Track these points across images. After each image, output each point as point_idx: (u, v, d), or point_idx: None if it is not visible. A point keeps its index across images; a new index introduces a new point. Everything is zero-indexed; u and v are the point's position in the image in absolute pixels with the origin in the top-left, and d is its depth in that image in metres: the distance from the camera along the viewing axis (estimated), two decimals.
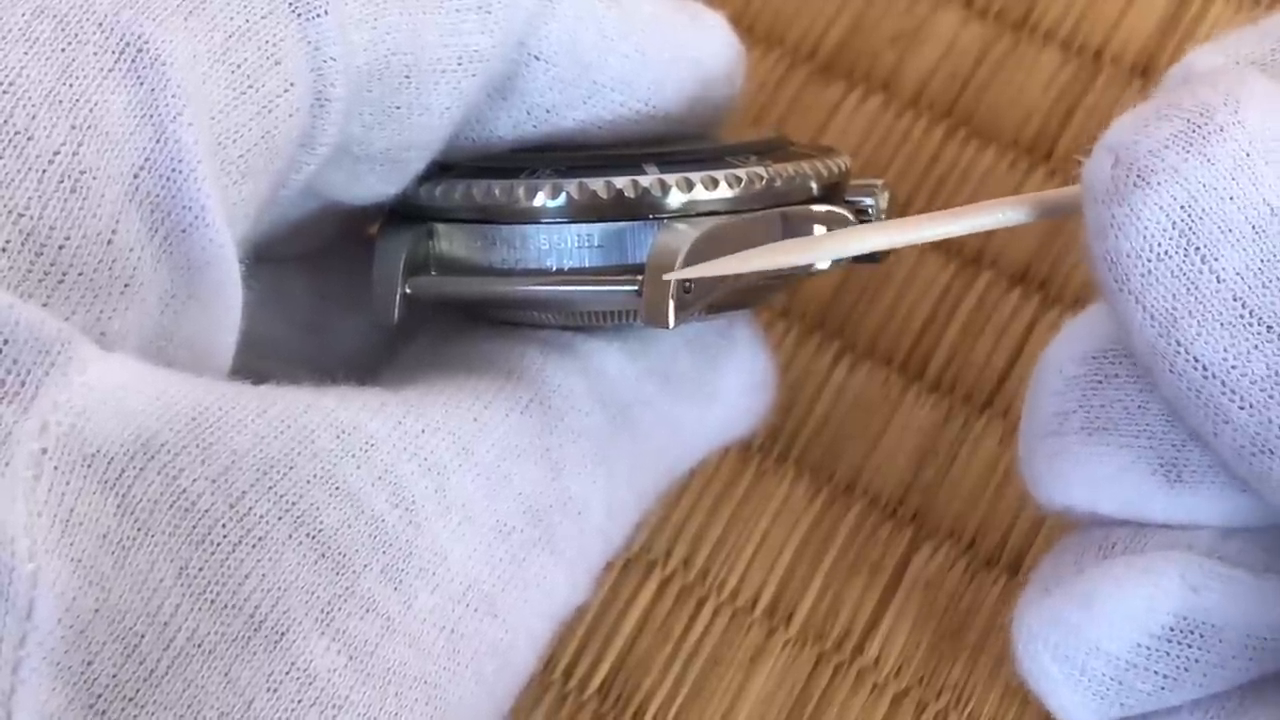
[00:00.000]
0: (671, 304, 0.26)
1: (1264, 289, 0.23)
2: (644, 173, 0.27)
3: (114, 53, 0.23)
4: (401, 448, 0.24)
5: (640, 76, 0.28)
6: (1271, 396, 0.23)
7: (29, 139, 0.22)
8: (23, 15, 0.23)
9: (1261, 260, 0.23)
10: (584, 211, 0.27)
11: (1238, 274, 0.23)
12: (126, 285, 0.22)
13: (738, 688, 0.33)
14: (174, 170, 0.23)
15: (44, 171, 0.22)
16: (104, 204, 0.22)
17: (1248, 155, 0.23)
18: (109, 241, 0.22)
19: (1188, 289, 0.23)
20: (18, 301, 0.21)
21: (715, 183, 0.27)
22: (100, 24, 0.23)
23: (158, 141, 0.23)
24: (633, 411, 0.28)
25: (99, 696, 0.21)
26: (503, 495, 0.25)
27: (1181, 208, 0.23)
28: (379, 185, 0.27)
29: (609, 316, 0.28)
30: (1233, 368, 0.23)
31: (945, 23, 0.40)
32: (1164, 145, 0.23)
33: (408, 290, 0.28)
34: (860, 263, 0.29)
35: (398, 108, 0.26)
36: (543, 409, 0.27)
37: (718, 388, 0.30)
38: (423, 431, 0.25)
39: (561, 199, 0.27)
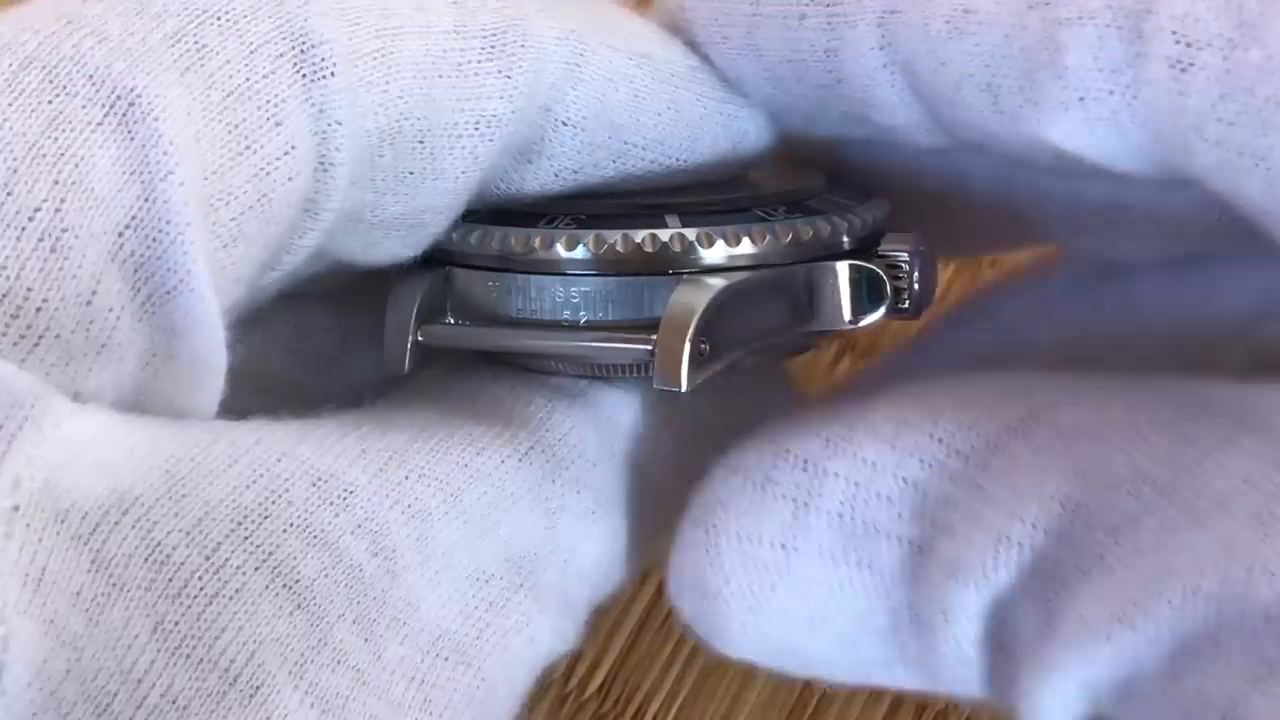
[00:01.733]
0: (685, 365, 0.25)
1: None
2: (665, 224, 0.26)
3: (104, 106, 0.22)
4: (383, 495, 0.24)
5: (673, 134, 0.27)
6: None
7: (8, 194, 0.21)
8: (9, 65, 0.22)
9: None
10: (601, 264, 0.26)
11: None
12: (103, 346, 0.22)
13: (738, 689, 0.33)
14: (160, 231, 0.22)
15: (23, 229, 0.21)
16: (85, 264, 0.21)
17: None
18: (88, 302, 0.22)
19: None
20: None
21: (738, 239, 0.26)
22: (91, 76, 0.22)
23: (145, 200, 0.22)
24: (645, 466, 0.28)
25: None
26: (486, 542, 0.25)
27: None
28: (396, 249, 0.26)
29: (626, 370, 0.27)
30: None
31: None
32: None
33: (420, 339, 0.27)
34: (897, 318, 0.28)
35: (411, 173, 0.25)
36: (544, 457, 0.26)
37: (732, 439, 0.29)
38: (405, 478, 0.24)
39: (578, 251, 0.26)
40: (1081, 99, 0.24)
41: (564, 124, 0.26)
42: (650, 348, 0.25)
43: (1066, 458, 0.25)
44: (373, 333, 0.29)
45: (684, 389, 0.25)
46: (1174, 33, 0.23)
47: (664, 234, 0.26)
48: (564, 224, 0.26)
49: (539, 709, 0.33)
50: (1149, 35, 0.23)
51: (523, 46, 0.25)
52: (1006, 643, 0.26)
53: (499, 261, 0.27)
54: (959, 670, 0.26)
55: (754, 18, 0.26)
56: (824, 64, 0.26)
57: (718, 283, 0.26)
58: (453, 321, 0.28)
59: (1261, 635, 0.23)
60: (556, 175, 0.27)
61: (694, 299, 0.25)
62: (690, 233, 0.26)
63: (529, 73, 0.25)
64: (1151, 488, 0.24)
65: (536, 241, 0.26)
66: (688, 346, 0.25)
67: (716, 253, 0.26)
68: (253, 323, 0.27)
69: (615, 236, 0.26)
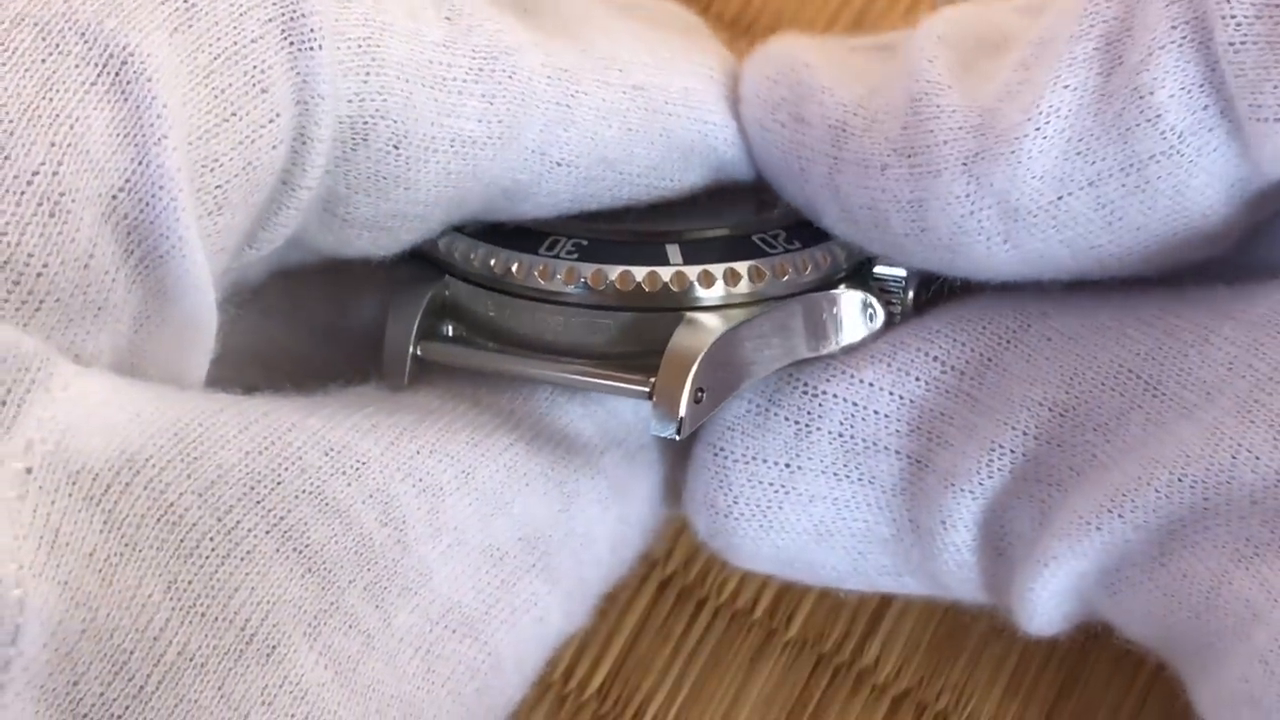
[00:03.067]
0: (684, 411, 0.25)
1: None
2: (666, 259, 0.26)
3: (97, 65, 0.22)
4: (395, 467, 0.24)
5: (667, 160, 0.27)
6: None
7: (6, 158, 0.21)
8: (1, 23, 0.22)
9: None
10: (600, 299, 0.26)
11: None
12: (100, 308, 0.22)
13: (737, 689, 0.33)
14: (153, 195, 0.22)
15: (22, 194, 0.21)
16: (82, 227, 0.22)
17: None
18: (85, 265, 0.22)
19: None
20: None
21: (737, 277, 0.26)
22: (83, 34, 0.22)
23: (139, 164, 0.22)
24: (650, 453, 0.28)
25: (85, 717, 0.21)
26: (499, 520, 0.25)
27: None
28: (369, 248, 0.27)
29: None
30: None
31: None
32: None
33: (419, 353, 0.27)
34: None
35: (383, 177, 0.25)
36: (553, 444, 0.27)
37: None
38: (417, 453, 0.24)
39: (578, 285, 0.26)
40: None
41: (558, 165, 0.26)
42: (648, 390, 0.26)
43: (1055, 363, 0.26)
44: (370, 303, 0.29)
45: (681, 436, 0.25)
46: None
47: (665, 272, 0.26)
48: (565, 252, 0.26)
49: (539, 709, 0.33)
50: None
51: (510, 77, 0.25)
52: (1003, 547, 0.26)
53: (500, 284, 0.27)
54: (960, 574, 0.27)
55: (836, 161, 0.26)
56: (908, 214, 0.26)
57: (717, 326, 0.26)
58: (450, 332, 0.28)
59: (1247, 517, 0.23)
60: (554, 206, 0.27)
61: (692, 344, 0.26)
62: (691, 271, 0.26)
63: (512, 104, 0.25)
64: (1137, 383, 0.25)
65: (538, 272, 0.26)
66: (686, 394, 0.25)
67: (715, 291, 0.26)
68: (251, 296, 0.27)
69: (615, 273, 0.26)
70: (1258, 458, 0.24)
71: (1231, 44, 0.23)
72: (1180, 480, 0.24)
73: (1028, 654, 0.33)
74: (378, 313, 0.29)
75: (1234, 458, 0.24)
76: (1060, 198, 0.25)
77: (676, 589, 0.34)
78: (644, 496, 0.28)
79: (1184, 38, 0.23)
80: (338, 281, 0.29)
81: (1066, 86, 0.24)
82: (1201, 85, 0.23)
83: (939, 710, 0.33)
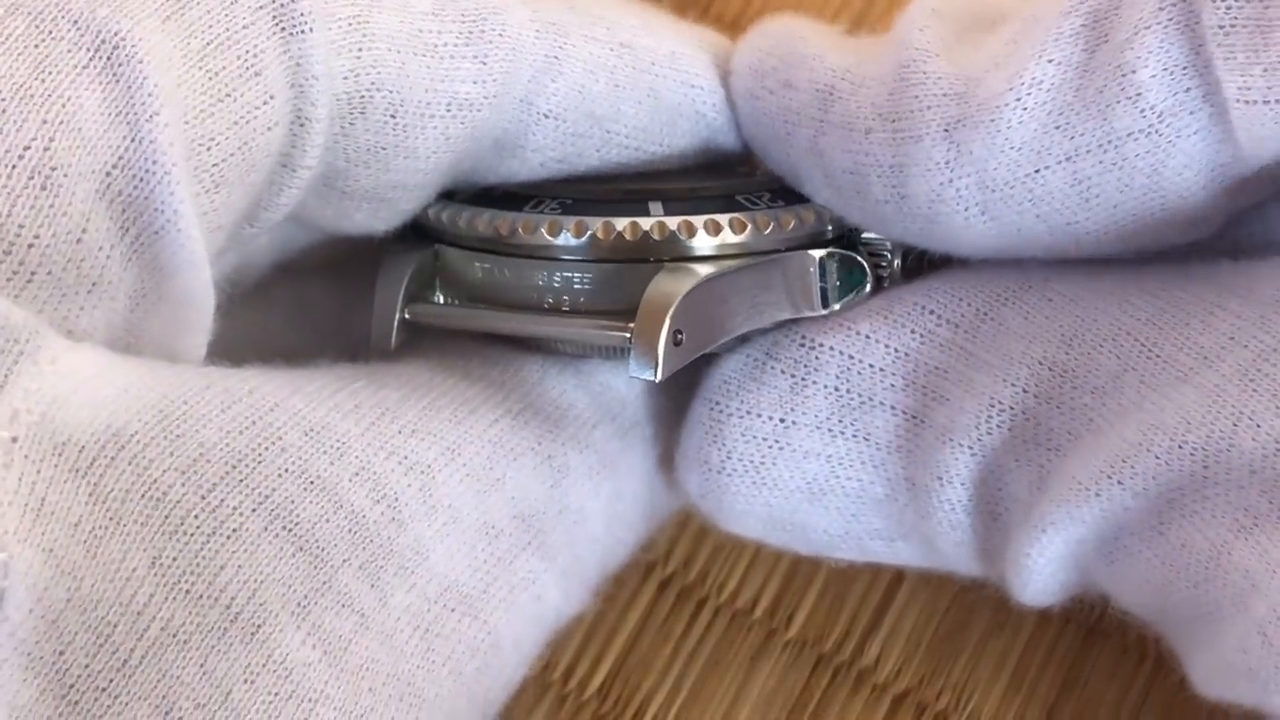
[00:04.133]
0: (661, 353, 0.25)
1: None
2: (649, 212, 0.27)
3: (89, 49, 0.22)
4: (378, 446, 0.24)
5: (654, 121, 0.28)
6: None
7: None
8: None
9: None
10: (583, 251, 0.26)
11: None
12: (94, 284, 0.22)
13: (738, 689, 0.33)
14: (147, 171, 0.22)
15: (13, 167, 0.22)
16: (74, 202, 0.22)
17: None
18: (78, 240, 0.22)
19: None
20: None
21: (719, 228, 0.26)
22: (75, 21, 0.22)
23: (132, 141, 0.22)
24: (644, 428, 0.28)
25: (71, 687, 0.21)
26: (493, 497, 0.25)
27: None
28: (369, 221, 0.27)
29: (609, 351, 0.28)
30: None
31: None
32: None
33: (406, 316, 0.28)
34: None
35: (382, 148, 0.25)
36: (540, 417, 0.27)
37: None
38: (399, 432, 0.24)
39: (561, 237, 0.26)
40: None
41: (545, 116, 0.27)
42: (628, 334, 0.26)
43: (1055, 323, 0.26)
44: (369, 303, 0.29)
45: (659, 378, 0.25)
46: None
47: (645, 222, 0.26)
48: (549, 209, 0.27)
49: (539, 709, 0.33)
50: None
51: (501, 35, 0.26)
52: (998, 512, 0.26)
53: (485, 243, 0.27)
54: (953, 537, 0.26)
55: (821, 124, 0.26)
56: (888, 179, 0.26)
57: (697, 271, 0.26)
58: (441, 300, 0.28)
59: (1246, 486, 0.23)
60: (541, 164, 0.27)
61: (672, 288, 0.26)
62: (672, 221, 0.26)
63: (505, 61, 0.26)
64: (1134, 343, 0.25)
65: (521, 226, 0.27)
66: (664, 335, 0.25)
67: (697, 241, 0.26)
68: (252, 294, 0.27)
69: (597, 224, 0.26)
70: (1258, 425, 0.24)
71: (1221, 27, 0.23)
72: (1180, 447, 0.24)
73: (1028, 653, 0.33)
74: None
75: (1235, 424, 0.24)
76: (1037, 170, 0.25)
77: (676, 589, 0.34)
78: (638, 473, 0.28)
79: (1170, 19, 0.23)
80: (340, 281, 0.30)
81: (1050, 60, 0.24)
82: (1185, 68, 0.24)
83: (939, 710, 0.33)
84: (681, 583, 0.34)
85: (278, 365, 0.25)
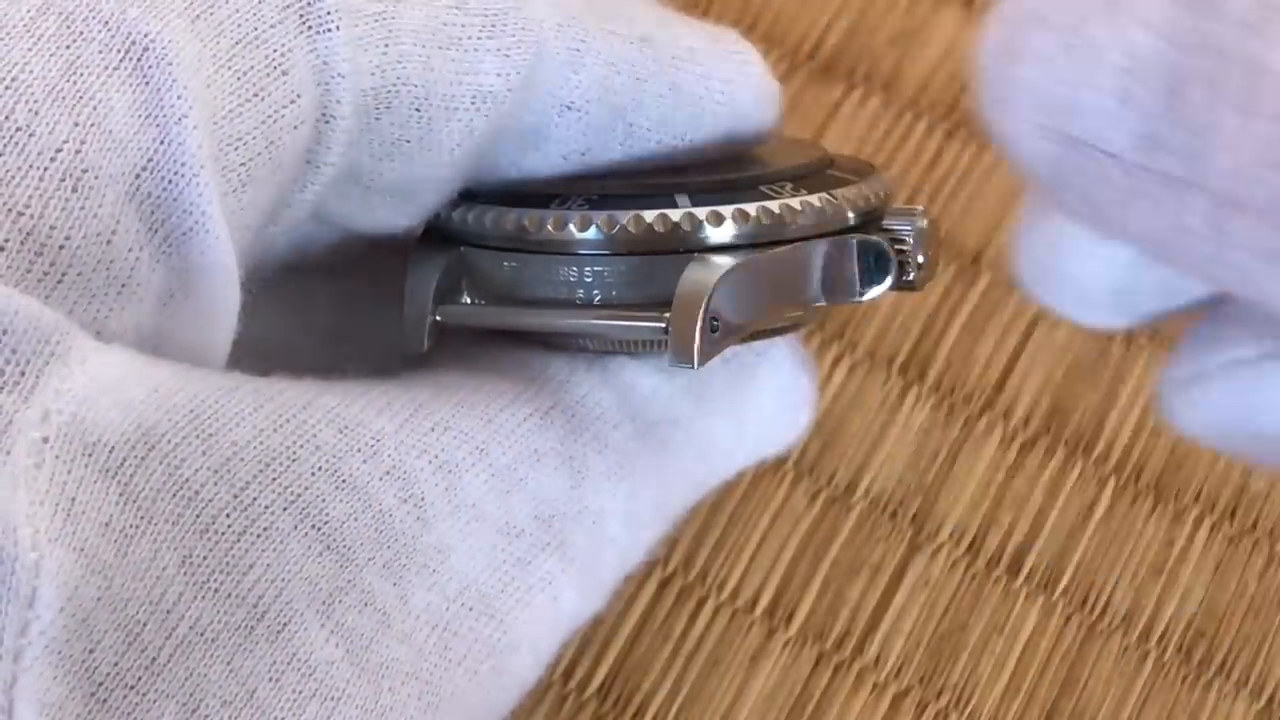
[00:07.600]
0: (698, 342, 0.25)
1: None
2: (675, 205, 0.27)
3: (119, 51, 0.22)
4: (410, 444, 0.24)
5: (676, 115, 0.28)
6: None
7: (30, 135, 0.22)
8: (27, 11, 0.22)
9: None
10: (614, 245, 0.26)
11: None
12: (124, 285, 0.22)
13: (738, 688, 0.33)
14: (176, 173, 0.22)
15: (45, 169, 0.22)
16: (104, 203, 0.22)
17: None
18: (108, 242, 0.22)
19: None
20: (15, 292, 0.21)
21: (746, 217, 0.26)
22: (106, 22, 0.22)
23: (161, 143, 0.22)
24: (663, 429, 0.28)
25: (100, 685, 0.21)
26: (515, 497, 0.25)
27: None
28: (392, 217, 0.27)
29: (639, 346, 0.28)
30: None
31: (945, 23, 0.40)
32: None
33: (438, 318, 0.28)
34: (901, 290, 0.29)
35: (407, 141, 0.25)
36: (565, 417, 0.27)
37: (753, 407, 0.29)
38: (431, 430, 0.24)
39: (590, 232, 0.26)
40: None
41: (568, 108, 0.27)
42: (664, 325, 0.26)
43: None
44: (375, 305, 0.29)
45: (696, 366, 0.25)
46: None
47: (674, 214, 0.26)
48: (576, 205, 0.27)
49: (539, 709, 0.33)
50: None
51: (523, 29, 0.26)
52: None
53: (514, 242, 0.27)
54: None
55: None
56: None
57: (728, 261, 0.26)
58: (469, 301, 0.28)
59: None
60: (564, 158, 0.27)
61: (705, 277, 0.26)
62: (700, 212, 0.26)
63: (527, 55, 0.26)
64: None
65: (550, 222, 0.27)
66: (700, 324, 0.25)
67: (725, 231, 0.26)
68: (258, 294, 0.27)
69: (627, 217, 0.26)
70: None
71: None
72: None
73: (1028, 653, 0.33)
74: (384, 317, 0.29)
75: None
76: None
77: (676, 588, 0.34)
78: (655, 473, 0.28)
79: None
80: (341, 281, 0.30)
81: None
82: None
83: (939, 709, 0.33)
84: (681, 582, 0.34)
85: (282, 368, 0.25)
